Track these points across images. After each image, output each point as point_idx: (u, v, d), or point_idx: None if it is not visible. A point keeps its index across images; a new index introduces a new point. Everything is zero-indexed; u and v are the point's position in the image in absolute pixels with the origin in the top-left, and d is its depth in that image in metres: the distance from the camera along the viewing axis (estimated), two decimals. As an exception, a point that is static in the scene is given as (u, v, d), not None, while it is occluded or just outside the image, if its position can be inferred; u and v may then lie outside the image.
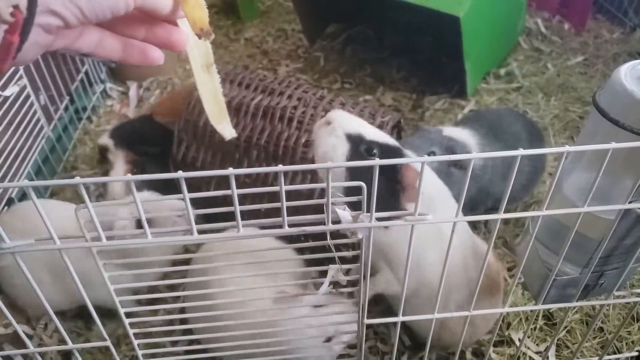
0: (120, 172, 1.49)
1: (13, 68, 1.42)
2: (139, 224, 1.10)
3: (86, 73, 1.92)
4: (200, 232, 0.68)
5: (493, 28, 1.86)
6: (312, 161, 1.04)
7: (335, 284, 0.81)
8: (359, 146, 0.94)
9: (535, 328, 1.22)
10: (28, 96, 1.50)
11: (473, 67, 1.84)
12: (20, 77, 1.45)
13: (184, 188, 0.62)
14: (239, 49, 2.28)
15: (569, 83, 1.97)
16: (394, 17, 2.22)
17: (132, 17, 0.58)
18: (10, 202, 1.40)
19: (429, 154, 1.25)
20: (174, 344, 1.11)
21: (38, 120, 1.57)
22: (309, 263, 0.90)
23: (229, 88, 1.45)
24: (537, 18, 2.26)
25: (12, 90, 1.38)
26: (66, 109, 1.77)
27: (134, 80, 2.07)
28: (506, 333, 1.21)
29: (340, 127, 0.96)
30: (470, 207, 1.37)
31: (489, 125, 1.43)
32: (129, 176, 0.61)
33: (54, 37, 0.54)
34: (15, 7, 0.45)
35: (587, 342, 1.19)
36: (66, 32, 0.55)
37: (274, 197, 1.31)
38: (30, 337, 1.27)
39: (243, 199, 1.36)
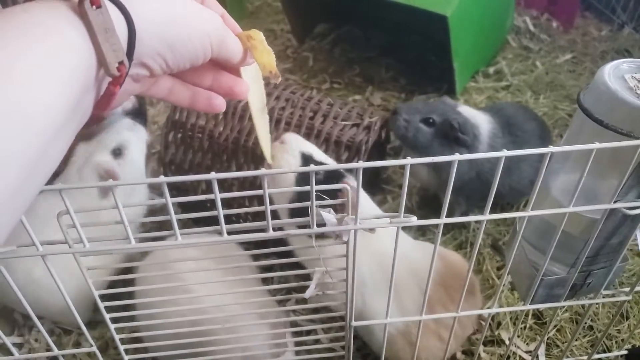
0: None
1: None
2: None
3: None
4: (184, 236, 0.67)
5: (481, 27, 1.86)
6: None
7: (321, 287, 0.80)
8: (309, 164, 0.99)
9: (525, 327, 1.22)
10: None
11: (461, 66, 1.84)
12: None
13: (167, 193, 0.61)
14: (228, 50, 2.26)
15: (558, 81, 1.97)
16: (382, 16, 2.22)
17: (201, 67, 0.62)
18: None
19: (425, 119, 1.30)
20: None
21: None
22: (294, 266, 0.89)
23: (217, 89, 1.44)
24: (526, 16, 2.27)
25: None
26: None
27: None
28: (496, 333, 1.21)
29: (296, 146, 1.10)
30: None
31: (507, 118, 1.44)
32: (111, 182, 0.60)
33: (139, 85, 0.60)
34: (121, 62, 0.50)
35: (576, 340, 1.20)
36: (147, 80, 0.60)
37: (262, 199, 1.31)
38: (21, 345, 1.26)
39: (231, 201, 1.35)
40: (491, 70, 2.04)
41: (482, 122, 1.37)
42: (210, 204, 1.35)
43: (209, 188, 1.40)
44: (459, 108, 1.35)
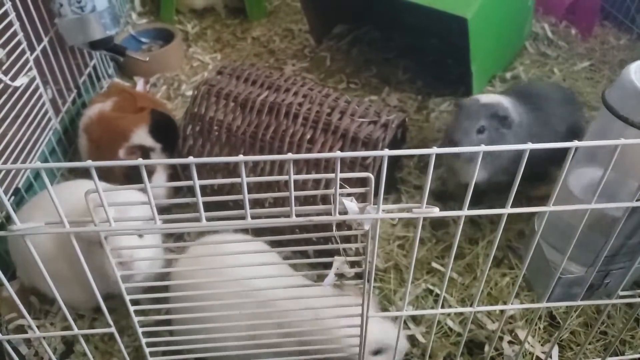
0: (162, 178, 1.49)
1: (23, 59, 1.43)
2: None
3: (94, 67, 1.93)
4: (209, 220, 0.68)
5: (500, 31, 1.86)
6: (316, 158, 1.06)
7: (340, 276, 0.81)
8: None
9: (539, 328, 1.22)
10: (37, 88, 1.51)
11: (479, 70, 1.84)
12: (30, 69, 1.46)
13: (194, 174, 0.62)
14: (245, 48, 2.29)
15: (575, 88, 1.97)
16: (401, 18, 2.23)
17: None
18: (17, 192, 1.41)
19: (479, 129, 1.29)
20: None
21: (46, 112, 1.58)
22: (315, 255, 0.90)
23: (235, 84, 1.45)
24: (544, 23, 2.26)
25: (21, 81, 1.38)
26: (73, 102, 1.77)
27: (141, 76, 2.08)
28: (512, 333, 1.21)
29: None
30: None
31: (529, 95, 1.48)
32: (140, 160, 0.61)
33: None
34: None
35: (590, 344, 1.19)
36: None
37: (280, 190, 1.32)
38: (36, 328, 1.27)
39: (248, 192, 1.36)
40: (508, 75, 2.04)
41: (507, 103, 1.38)
42: (227, 194, 1.36)
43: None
44: (484, 101, 1.34)
